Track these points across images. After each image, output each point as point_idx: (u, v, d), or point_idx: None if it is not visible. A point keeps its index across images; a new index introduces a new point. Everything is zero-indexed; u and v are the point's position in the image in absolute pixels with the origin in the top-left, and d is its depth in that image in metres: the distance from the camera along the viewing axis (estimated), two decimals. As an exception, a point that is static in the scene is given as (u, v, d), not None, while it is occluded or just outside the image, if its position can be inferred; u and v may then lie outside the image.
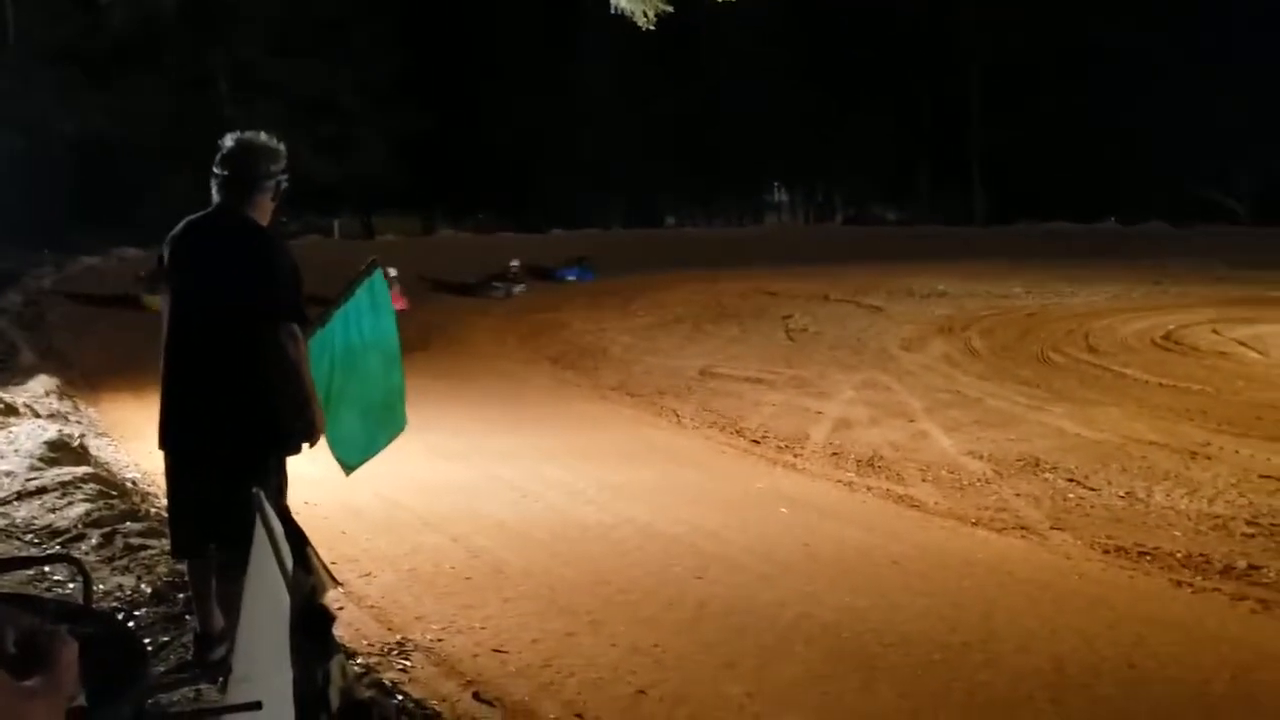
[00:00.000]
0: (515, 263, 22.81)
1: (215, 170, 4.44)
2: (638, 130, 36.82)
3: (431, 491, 8.47)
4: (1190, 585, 6.61)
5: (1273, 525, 7.65)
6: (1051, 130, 36.93)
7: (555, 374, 14.74)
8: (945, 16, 37.66)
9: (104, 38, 27.10)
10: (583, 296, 22.25)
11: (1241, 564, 6.91)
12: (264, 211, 4.45)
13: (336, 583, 3.60)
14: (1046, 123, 36.93)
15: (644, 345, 16.82)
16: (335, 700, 3.24)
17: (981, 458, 9.65)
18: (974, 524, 7.86)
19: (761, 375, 14.03)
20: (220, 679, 3.98)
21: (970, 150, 38.78)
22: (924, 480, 9.05)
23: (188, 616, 4.88)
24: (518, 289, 22.34)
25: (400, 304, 14.88)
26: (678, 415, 11.84)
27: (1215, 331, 16.42)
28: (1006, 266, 26.21)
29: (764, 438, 10.66)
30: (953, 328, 17.77)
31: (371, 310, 4.90)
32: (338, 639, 3.73)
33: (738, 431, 10.96)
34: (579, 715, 4.74)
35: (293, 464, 4.62)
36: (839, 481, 9.11)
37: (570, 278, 24.35)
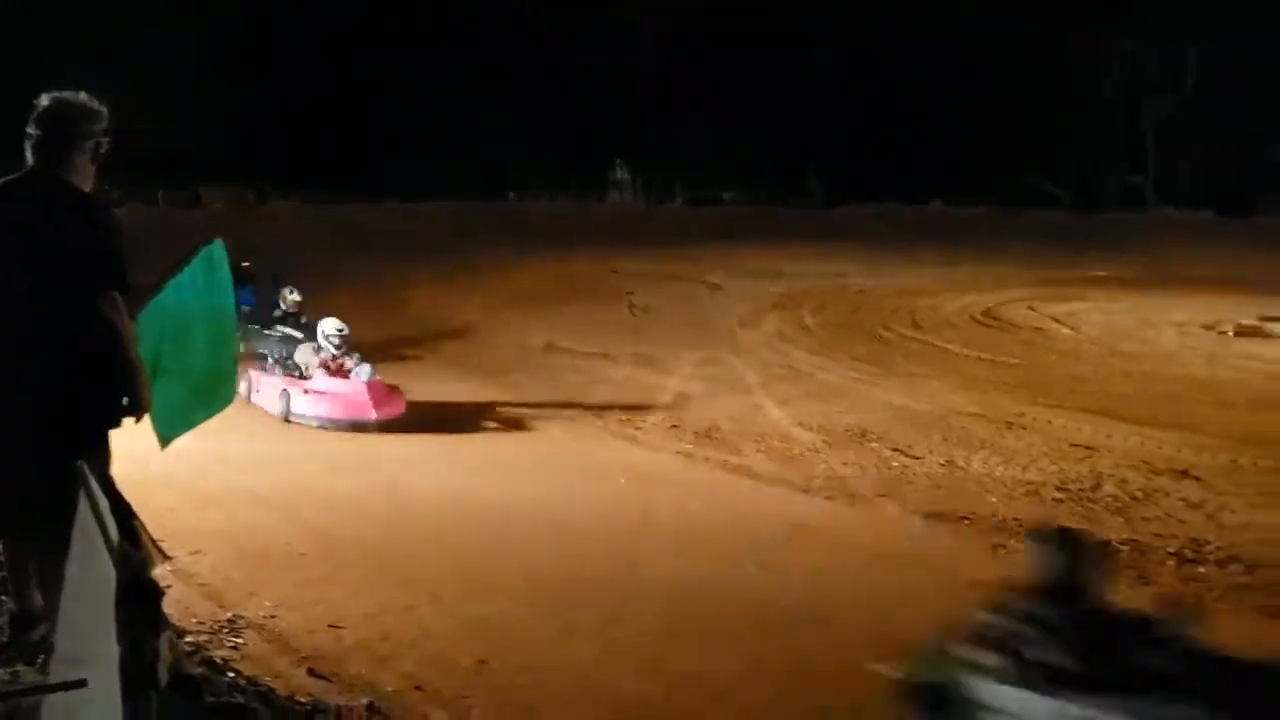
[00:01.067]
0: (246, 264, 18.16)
1: (29, 130, 4.21)
2: (483, 102, 36.40)
3: (266, 467, 8.28)
4: (1005, 548, 7.01)
5: (1080, 491, 8.18)
6: (886, 114, 38.13)
7: (392, 348, 14.52)
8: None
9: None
10: (427, 273, 21.90)
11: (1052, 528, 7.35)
12: (83, 175, 4.25)
13: (165, 557, 3.51)
14: (882, 106, 38.11)
15: (488, 321, 16.71)
16: (164, 676, 3.17)
17: (812, 429, 9.98)
18: (805, 492, 8.15)
19: (605, 351, 14.15)
20: (41, 659, 3.83)
21: (809, 132, 39.69)
22: (758, 451, 9.32)
23: (3, 597, 4.67)
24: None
25: (395, 407, 10.05)
26: (522, 390, 11.85)
27: (1031, 309, 17.28)
28: (839, 246, 26.99)
29: (606, 411, 10.78)
30: (787, 305, 18.22)
31: (207, 284, 4.76)
32: (166, 616, 3.64)
33: (581, 405, 11.05)
34: (418, 688, 4.73)
35: (118, 439, 4.46)
36: (678, 453, 9.31)
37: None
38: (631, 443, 9.66)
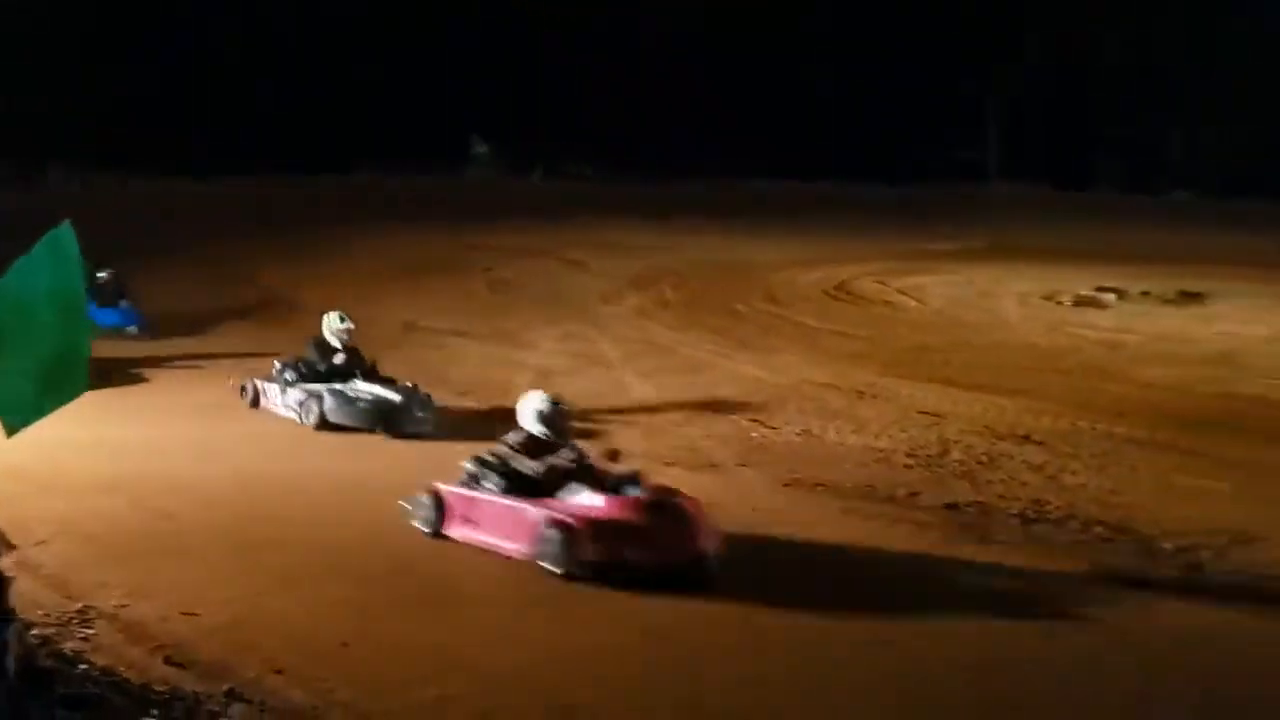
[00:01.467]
0: (104, 274, 13.67)
1: None
2: (327, 68, 35.34)
3: (110, 453, 7.98)
4: (858, 512, 7.29)
5: (928, 456, 8.52)
6: (739, 89, 38.57)
7: (247, 331, 14.12)
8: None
9: None
10: (276, 251, 21.27)
11: (902, 492, 7.68)
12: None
13: (10, 546, 3.38)
14: (738, 81, 38.50)
15: (342, 300, 16.28)
16: (12, 668, 3.06)
17: (674, 402, 10.13)
18: (669, 464, 8.26)
19: (465, 328, 14.03)
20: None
21: (670, 104, 39.81)
22: (622, 425, 9.41)
23: None
24: None
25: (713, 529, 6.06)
26: (381, 368, 11.66)
27: (880, 283, 17.77)
28: (698, 222, 27.31)
29: (469, 390, 10.72)
30: (647, 281, 18.33)
31: (54, 268, 4.57)
32: (13, 607, 3.51)
33: (443, 384, 10.96)
34: (279, 671, 4.66)
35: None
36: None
37: (120, 326, 13.58)
38: (490, 422, 9.61)
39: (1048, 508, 7.34)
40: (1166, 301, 15.33)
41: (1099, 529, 6.98)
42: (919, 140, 36.36)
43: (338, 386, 9.29)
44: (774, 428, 9.29)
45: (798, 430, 9.20)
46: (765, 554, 6.42)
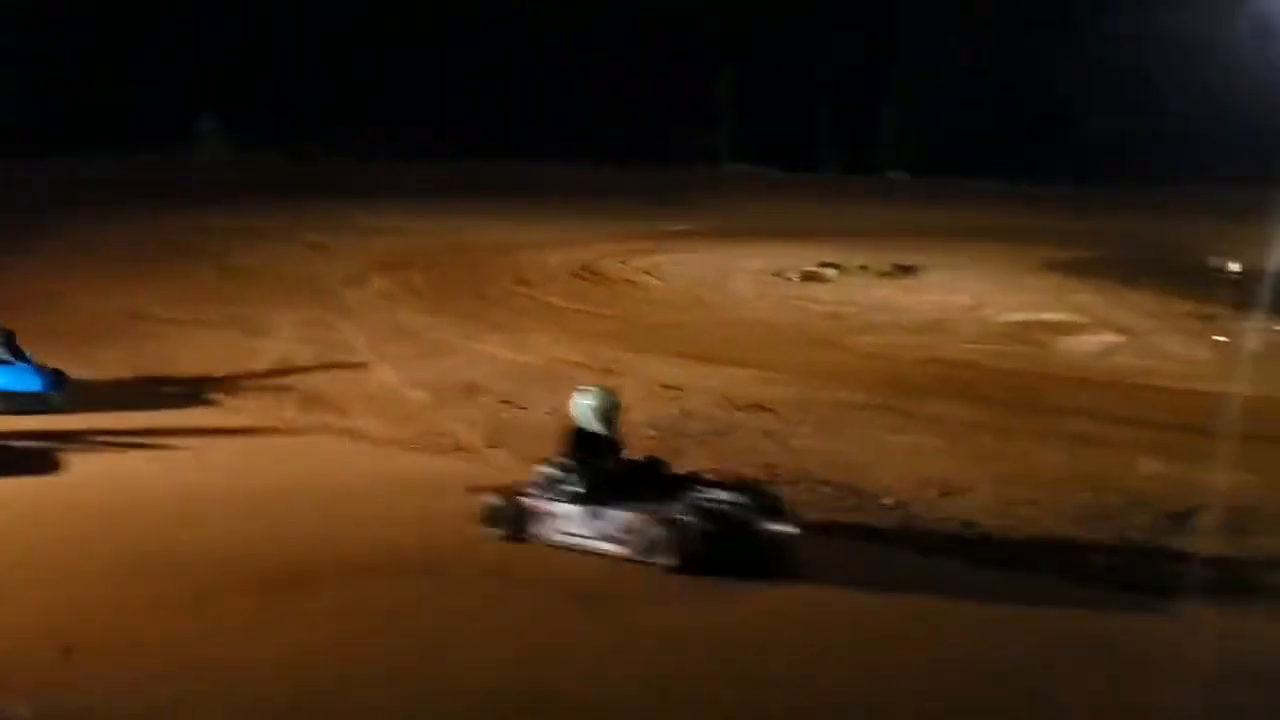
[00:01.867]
0: None
1: None
2: (39, 45, 32.63)
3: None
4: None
5: (670, 428, 8.87)
6: (479, 72, 38.31)
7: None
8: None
9: None
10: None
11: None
12: None
13: None
14: (477, 64, 38.20)
15: (61, 287, 15.18)
16: None
17: (422, 387, 10.06)
18: (414, 449, 8.25)
19: (197, 315, 13.37)
20: None
21: (402, 86, 39.05)
22: (367, 412, 9.28)
23: None
24: None
25: None
26: (101, 361, 10.98)
27: (623, 262, 18.15)
28: (446, 203, 27.02)
29: (200, 380, 10.27)
30: (394, 263, 17.99)
31: None
32: None
33: (170, 376, 10.45)
34: (-3, 685, 4.40)
35: None
36: (280, 419, 9.06)
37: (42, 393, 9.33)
38: (226, 412, 9.30)
39: (780, 470, 7.79)
40: (882, 274, 16.43)
41: (826, 488, 7.48)
42: (656, 126, 37.25)
43: (700, 501, 6.08)
44: (524, 407, 9.41)
45: (548, 409, 9.31)
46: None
